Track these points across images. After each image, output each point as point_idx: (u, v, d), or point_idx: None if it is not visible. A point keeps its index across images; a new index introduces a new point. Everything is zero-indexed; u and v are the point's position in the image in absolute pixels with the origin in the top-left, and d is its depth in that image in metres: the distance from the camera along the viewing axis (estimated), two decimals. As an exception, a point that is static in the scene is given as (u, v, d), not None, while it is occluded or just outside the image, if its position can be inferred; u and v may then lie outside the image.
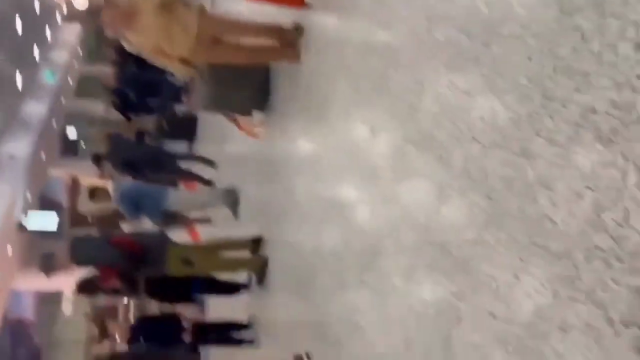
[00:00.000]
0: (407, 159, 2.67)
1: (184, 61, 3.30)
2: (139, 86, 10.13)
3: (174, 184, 8.22)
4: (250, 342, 5.13)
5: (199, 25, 3.37)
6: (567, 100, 1.73)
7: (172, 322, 4.91)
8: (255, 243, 5.34)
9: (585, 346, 1.59)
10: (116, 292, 4.98)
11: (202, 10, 3.52)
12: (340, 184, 3.66)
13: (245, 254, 5.38)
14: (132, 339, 4.75)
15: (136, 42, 3.43)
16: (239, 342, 5.24)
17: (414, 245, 2.55)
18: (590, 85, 1.64)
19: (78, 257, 4.94)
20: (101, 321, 4.76)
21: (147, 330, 4.77)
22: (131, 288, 4.78)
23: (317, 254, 3.91)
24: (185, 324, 4.84)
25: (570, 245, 1.67)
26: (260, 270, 5.13)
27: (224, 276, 5.53)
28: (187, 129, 10.36)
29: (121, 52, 13.24)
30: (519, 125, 1.93)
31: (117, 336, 4.70)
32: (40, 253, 14.85)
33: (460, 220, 2.22)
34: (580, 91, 1.68)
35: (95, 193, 6.84)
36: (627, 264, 1.47)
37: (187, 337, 4.79)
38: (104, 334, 4.68)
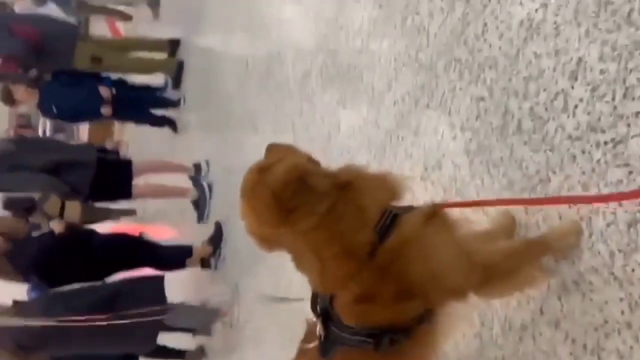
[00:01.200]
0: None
1: None
2: None
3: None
4: (175, 103, 4.94)
5: None
6: None
7: (88, 88, 4.49)
8: (172, 45, 5.16)
9: (429, 147, 1.78)
10: (19, 80, 4.69)
11: None
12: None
13: (161, 55, 5.21)
14: (42, 105, 4.28)
15: None
16: (162, 122, 4.99)
17: (311, 52, 2.58)
18: None
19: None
20: (7, 89, 4.29)
21: (60, 94, 4.42)
22: (34, 80, 4.47)
23: (226, 60, 3.88)
24: (104, 94, 4.42)
25: (435, 57, 1.76)
26: (176, 73, 5.03)
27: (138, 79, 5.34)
28: None
29: None
30: None
31: (26, 101, 4.27)
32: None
33: (352, 28, 2.24)
34: None
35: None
36: (474, 75, 1.60)
37: (106, 110, 4.47)
38: (11, 100, 4.31)
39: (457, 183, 1.65)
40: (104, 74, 4.73)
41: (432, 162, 1.75)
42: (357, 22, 2.23)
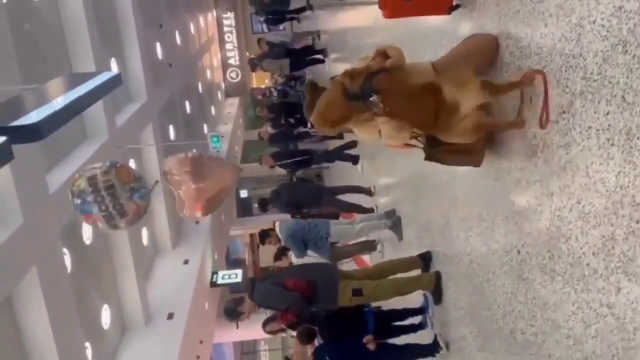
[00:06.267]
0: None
1: None
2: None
3: (335, 217, 8.35)
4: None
5: None
6: None
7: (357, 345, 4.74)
8: (424, 259, 5.09)
9: None
10: (294, 328, 5.07)
11: None
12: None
13: (415, 272, 5.15)
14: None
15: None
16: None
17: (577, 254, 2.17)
18: None
19: (258, 302, 5.16)
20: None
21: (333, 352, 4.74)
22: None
23: (490, 258, 3.57)
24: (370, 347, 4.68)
25: None
26: (435, 287, 4.84)
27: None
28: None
29: (273, 109, 14.21)
30: None
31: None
32: (224, 306, 16.11)
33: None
34: None
35: (265, 237, 7.20)
36: None
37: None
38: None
39: None
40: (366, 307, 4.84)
41: None
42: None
